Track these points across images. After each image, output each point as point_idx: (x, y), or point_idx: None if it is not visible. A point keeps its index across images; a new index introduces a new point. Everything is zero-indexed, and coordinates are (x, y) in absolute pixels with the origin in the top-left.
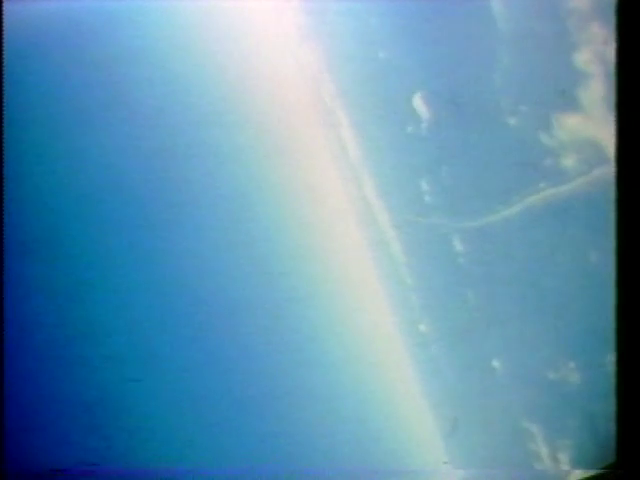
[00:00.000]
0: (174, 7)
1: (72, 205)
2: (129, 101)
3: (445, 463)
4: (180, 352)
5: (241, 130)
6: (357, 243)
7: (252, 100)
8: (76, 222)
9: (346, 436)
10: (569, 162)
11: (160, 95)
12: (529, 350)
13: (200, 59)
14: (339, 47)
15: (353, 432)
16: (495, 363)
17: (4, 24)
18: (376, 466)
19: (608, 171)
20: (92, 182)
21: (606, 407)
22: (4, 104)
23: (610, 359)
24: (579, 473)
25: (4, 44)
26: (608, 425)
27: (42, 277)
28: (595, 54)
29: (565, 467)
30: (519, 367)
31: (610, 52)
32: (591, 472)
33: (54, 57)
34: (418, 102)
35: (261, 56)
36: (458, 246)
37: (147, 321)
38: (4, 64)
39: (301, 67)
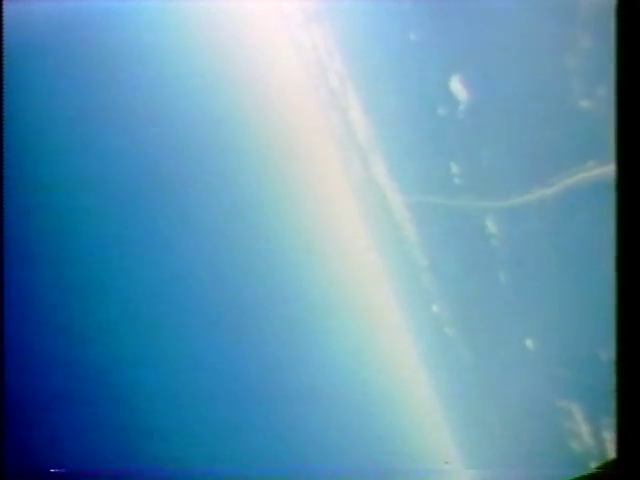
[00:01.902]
0: (174, 4)
1: (74, 205)
2: (130, 101)
3: (446, 463)
4: (184, 352)
5: (246, 122)
6: (378, 227)
7: (260, 91)
8: (78, 221)
9: (358, 433)
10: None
11: (162, 92)
12: (563, 332)
13: (202, 49)
14: (369, 30)
15: (363, 429)
16: (528, 342)
17: (4, 24)
18: (394, 465)
19: None
20: (94, 182)
21: None
22: (4, 104)
23: None
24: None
25: (4, 44)
26: None
27: (42, 276)
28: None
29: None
30: (551, 349)
31: None
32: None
33: (54, 57)
34: (455, 84)
35: (275, 46)
36: (491, 227)
37: (149, 321)
38: (4, 64)
39: (316, 49)
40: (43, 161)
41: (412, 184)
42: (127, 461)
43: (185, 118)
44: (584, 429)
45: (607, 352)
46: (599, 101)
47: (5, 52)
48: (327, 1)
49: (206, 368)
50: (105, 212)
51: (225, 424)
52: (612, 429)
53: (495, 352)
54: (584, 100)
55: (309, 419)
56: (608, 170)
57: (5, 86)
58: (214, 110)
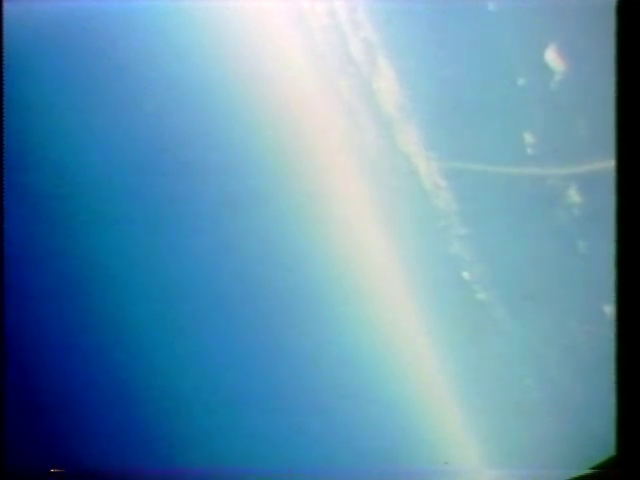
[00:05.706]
0: (174, 4)
1: (76, 205)
2: (131, 101)
3: (446, 463)
4: (185, 352)
5: (256, 108)
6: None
7: (273, 82)
8: (81, 222)
9: (359, 432)
10: None
11: (161, 90)
12: None
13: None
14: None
15: (363, 428)
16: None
17: (4, 24)
18: (394, 465)
19: None
20: (95, 181)
21: None
22: (4, 104)
23: None
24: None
25: (4, 44)
26: None
27: (42, 275)
28: None
29: None
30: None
31: None
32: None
33: (54, 57)
34: (551, 55)
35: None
36: (574, 196)
37: (149, 322)
38: (4, 64)
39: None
40: (44, 161)
41: (482, 154)
42: (127, 461)
43: (192, 108)
44: None
45: None
46: None
47: (5, 52)
48: None
49: (208, 368)
50: (107, 212)
51: (227, 424)
52: None
53: (570, 321)
54: None
55: (310, 418)
56: None
57: (5, 86)
58: (224, 89)
